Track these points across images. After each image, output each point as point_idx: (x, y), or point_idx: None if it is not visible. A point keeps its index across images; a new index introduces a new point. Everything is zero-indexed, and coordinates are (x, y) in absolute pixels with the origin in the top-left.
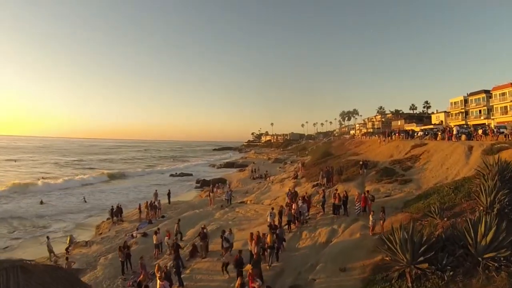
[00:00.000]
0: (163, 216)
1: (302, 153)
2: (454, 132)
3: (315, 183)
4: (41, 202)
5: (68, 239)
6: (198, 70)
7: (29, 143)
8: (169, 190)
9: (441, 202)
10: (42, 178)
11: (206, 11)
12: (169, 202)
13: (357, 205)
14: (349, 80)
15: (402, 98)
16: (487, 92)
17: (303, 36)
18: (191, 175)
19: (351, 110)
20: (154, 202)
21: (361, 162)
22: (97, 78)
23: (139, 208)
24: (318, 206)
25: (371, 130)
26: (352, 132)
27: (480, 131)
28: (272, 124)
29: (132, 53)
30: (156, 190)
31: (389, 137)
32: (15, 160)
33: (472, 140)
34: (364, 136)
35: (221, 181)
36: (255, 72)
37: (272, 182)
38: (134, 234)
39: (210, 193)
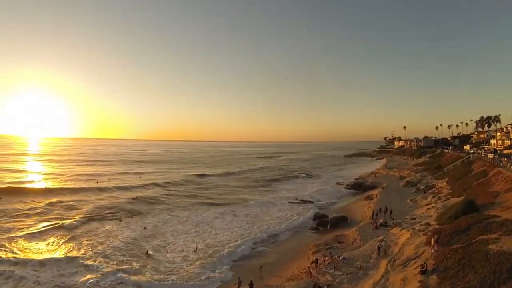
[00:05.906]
0: None
1: (437, 173)
2: None
3: None
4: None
5: None
6: (340, 71)
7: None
8: (251, 282)
9: None
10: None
11: None
12: None
13: None
14: (491, 76)
15: None
16: None
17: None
18: (311, 202)
19: (491, 116)
20: None
21: None
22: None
23: None
24: None
25: None
26: (492, 141)
27: None
28: (404, 127)
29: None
30: (239, 279)
31: None
32: (140, 176)
33: None
34: None
35: (342, 220)
36: (393, 75)
37: (394, 261)
38: None
39: (311, 273)
